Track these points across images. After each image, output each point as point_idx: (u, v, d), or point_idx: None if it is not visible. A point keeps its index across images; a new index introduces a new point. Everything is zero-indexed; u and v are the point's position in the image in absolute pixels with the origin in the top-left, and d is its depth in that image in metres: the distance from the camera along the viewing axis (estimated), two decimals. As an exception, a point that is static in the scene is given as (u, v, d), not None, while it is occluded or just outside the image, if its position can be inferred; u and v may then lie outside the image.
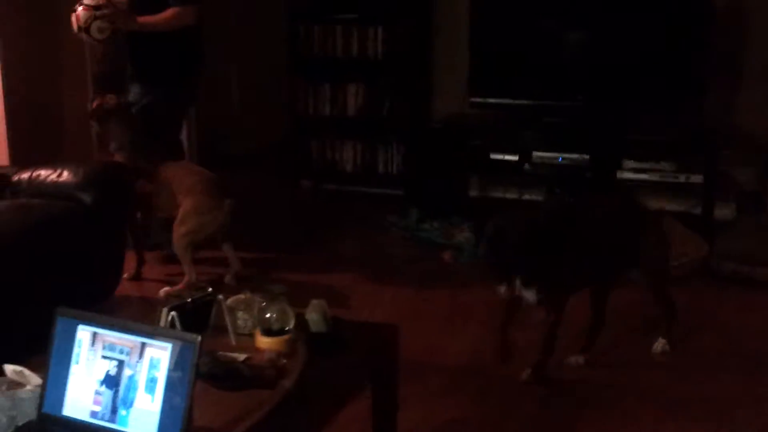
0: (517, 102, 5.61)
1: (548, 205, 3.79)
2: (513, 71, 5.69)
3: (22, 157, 5.07)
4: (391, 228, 5.50)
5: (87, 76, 5.71)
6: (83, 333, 1.99)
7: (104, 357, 1.96)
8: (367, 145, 6.26)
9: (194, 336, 1.90)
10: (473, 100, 5.67)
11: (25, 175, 4.16)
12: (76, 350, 1.99)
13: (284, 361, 2.35)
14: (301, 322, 2.52)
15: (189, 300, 2.47)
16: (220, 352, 2.39)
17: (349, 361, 2.50)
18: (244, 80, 7.35)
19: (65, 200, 4.00)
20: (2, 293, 3.46)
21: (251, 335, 2.50)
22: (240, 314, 2.58)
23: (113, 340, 1.97)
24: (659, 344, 3.75)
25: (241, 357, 2.38)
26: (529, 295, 3.37)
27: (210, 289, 2.54)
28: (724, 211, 5.31)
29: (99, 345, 1.97)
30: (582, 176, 5.43)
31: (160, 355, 1.91)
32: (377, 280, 4.71)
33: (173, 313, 2.40)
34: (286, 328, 2.46)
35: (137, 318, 2.56)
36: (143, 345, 1.94)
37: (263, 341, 2.45)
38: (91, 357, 1.97)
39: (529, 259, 3.30)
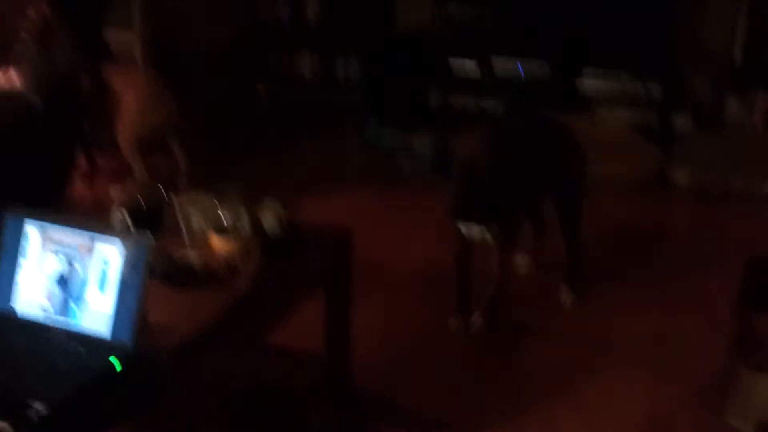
0: (476, 10, 5.53)
1: (503, 131, 3.50)
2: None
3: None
4: (349, 136, 5.46)
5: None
6: (32, 230, 1.96)
7: (54, 254, 1.93)
8: (326, 53, 6.16)
9: (146, 233, 1.88)
10: (433, 7, 5.57)
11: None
12: (25, 247, 1.96)
13: (238, 261, 2.34)
14: (255, 223, 2.50)
15: (141, 199, 2.43)
16: (173, 252, 2.37)
17: (302, 262, 2.49)
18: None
19: (14, 102, 3.92)
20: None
21: (204, 236, 2.47)
22: (193, 214, 2.54)
23: (63, 237, 1.93)
24: (564, 293, 3.51)
25: (195, 257, 2.36)
26: (489, 236, 3.18)
27: (162, 189, 2.50)
28: (681, 122, 5.33)
29: (48, 242, 1.94)
30: (541, 85, 5.41)
31: (111, 253, 1.89)
32: (334, 185, 4.70)
33: (125, 211, 2.36)
34: (240, 229, 2.44)
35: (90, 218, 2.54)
36: (94, 242, 1.91)
37: (217, 241, 2.43)
38: (40, 254, 1.94)
39: (498, 198, 3.12)
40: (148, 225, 2.40)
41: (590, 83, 5.36)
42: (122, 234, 1.92)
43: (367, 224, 3.97)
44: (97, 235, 1.90)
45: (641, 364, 3.03)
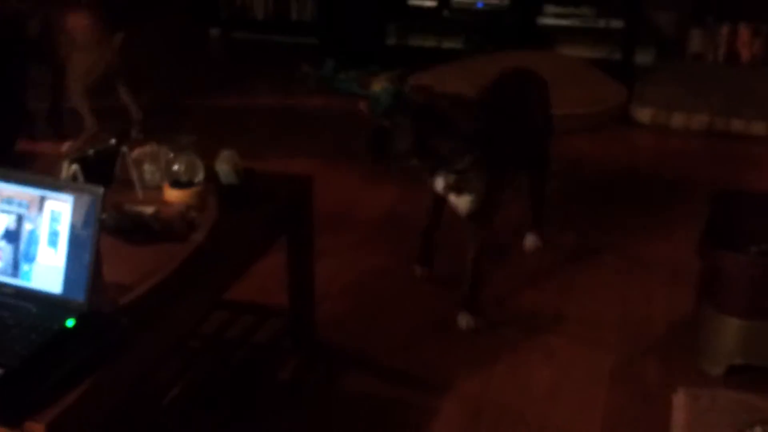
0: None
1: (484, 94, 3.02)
2: None
3: None
4: (306, 78, 5.35)
5: None
6: (-23, 186, 1.86)
7: (2, 211, 1.84)
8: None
9: (97, 188, 1.78)
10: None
11: None
12: (-31, 205, 1.86)
13: (194, 214, 2.25)
14: (211, 174, 2.41)
15: (91, 152, 2.33)
16: (127, 206, 2.28)
17: (261, 213, 2.41)
18: None
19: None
20: None
21: (159, 188, 2.39)
22: (146, 167, 2.45)
23: (11, 193, 1.84)
24: (529, 240, 3.40)
25: (150, 210, 2.27)
26: (461, 203, 2.86)
27: (114, 141, 2.39)
28: (644, 58, 5.28)
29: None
30: (502, 22, 5.33)
31: (61, 208, 1.79)
32: (292, 131, 4.60)
33: (75, 165, 2.26)
34: (196, 180, 2.35)
35: (44, 169, 2.44)
36: (43, 198, 1.81)
37: (172, 194, 2.34)
38: (-12, 211, 1.85)
39: (470, 157, 2.77)
40: (99, 178, 2.31)
41: (551, 20, 5.28)
42: (72, 188, 1.83)
43: (327, 173, 3.90)
44: (46, 190, 1.81)
45: (609, 309, 3.00)
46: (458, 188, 2.84)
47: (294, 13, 6.01)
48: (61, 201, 1.80)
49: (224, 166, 2.44)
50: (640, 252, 3.37)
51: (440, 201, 3.02)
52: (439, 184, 2.87)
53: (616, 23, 5.15)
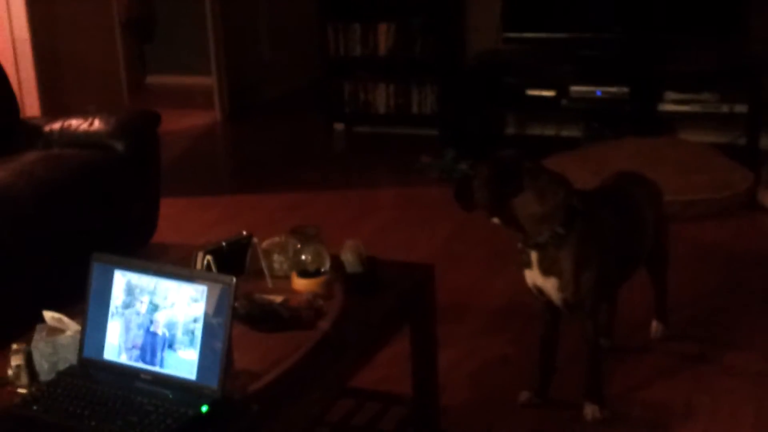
0: (552, 36, 5.49)
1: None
2: (547, 3, 5.57)
3: (52, 107, 5.06)
4: (426, 169, 5.43)
5: (114, 22, 5.68)
6: (119, 278, 1.96)
7: (141, 301, 1.93)
8: (400, 86, 6.17)
9: (230, 277, 1.86)
10: (507, 35, 5.56)
11: (56, 125, 4.14)
12: (113, 295, 1.96)
13: (321, 302, 2.32)
14: (337, 263, 2.48)
15: (224, 243, 2.43)
16: (257, 295, 2.36)
17: (385, 301, 2.45)
18: (273, 24, 7.28)
19: (97, 149, 3.99)
20: (38, 245, 3.46)
21: (287, 278, 2.47)
22: (275, 257, 2.54)
23: (149, 284, 1.93)
24: (654, 326, 3.32)
25: (279, 299, 2.35)
26: (548, 286, 2.73)
27: (245, 233, 2.49)
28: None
29: (136, 289, 1.94)
30: (621, 110, 5.32)
31: (196, 297, 1.88)
32: (413, 222, 4.66)
33: (209, 256, 2.36)
34: (322, 270, 2.42)
35: (177, 263, 2.55)
36: (179, 288, 1.90)
37: (299, 283, 2.41)
38: (128, 301, 1.94)
39: (548, 229, 2.64)
40: (231, 269, 2.41)
41: (671, 106, 5.25)
42: (206, 277, 1.91)
43: (448, 261, 3.93)
44: (182, 281, 1.90)
45: (742, 405, 2.90)
46: (543, 267, 2.70)
47: (414, 107, 6.14)
48: (196, 291, 1.88)
49: (349, 255, 2.50)
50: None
51: (553, 318, 2.87)
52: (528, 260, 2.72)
53: (740, 108, 5.08)
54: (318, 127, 6.44)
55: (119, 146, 4.01)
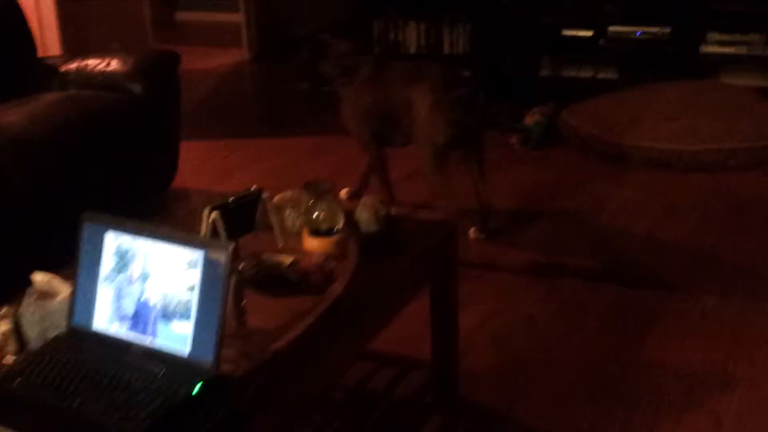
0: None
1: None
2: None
3: (74, 45, 4.93)
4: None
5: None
6: (111, 241, 1.83)
7: (133, 266, 1.80)
8: (432, 24, 5.94)
9: (228, 244, 1.72)
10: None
11: (73, 66, 4.01)
12: (103, 259, 1.83)
13: (333, 264, 2.17)
14: (352, 221, 2.33)
15: (231, 199, 2.28)
16: (266, 255, 2.23)
17: (402, 263, 2.30)
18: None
19: (115, 91, 3.85)
20: (51, 193, 3.35)
21: (300, 234, 2.33)
22: (288, 212, 2.40)
23: (143, 247, 1.80)
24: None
25: (288, 260, 2.21)
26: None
27: (253, 188, 2.34)
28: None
29: (128, 253, 1.81)
30: (662, 51, 5.08)
31: (193, 262, 1.74)
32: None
33: (215, 213, 2.22)
34: (335, 228, 2.28)
35: (187, 216, 2.42)
36: (175, 253, 1.76)
37: (311, 242, 2.27)
38: (119, 266, 1.81)
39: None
40: (240, 226, 2.28)
41: (714, 48, 5.00)
42: (204, 242, 1.77)
43: (474, 212, 3.77)
44: (179, 245, 1.76)
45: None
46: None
47: (446, 46, 5.92)
48: (192, 256, 1.74)
49: (364, 214, 2.35)
50: None
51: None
52: None
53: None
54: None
55: (137, 88, 3.87)
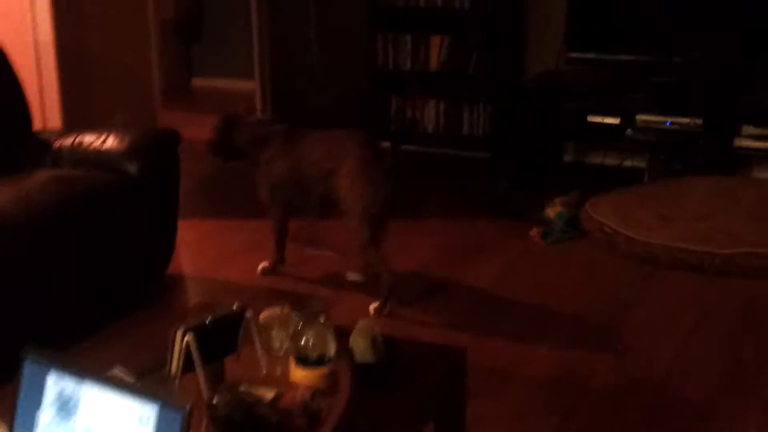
0: (620, 58, 5.03)
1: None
2: (616, 22, 5.10)
3: (77, 117, 4.71)
4: (475, 197, 4.97)
5: (149, 22, 5.30)
6: (53, 385, 1.55)
7: (76, 414, 1.52)
8: (451, 104, 5.72)
9: (183, 402, 1.44)
10: (570, 55, 5.13)
11: (67, 142, 3.78)
12: (44, 406, 1.55)
13: (320, 403, 1.89)
14: (345, 350, 2.05)
15: (208, 319, 2.01)
16: (244, 386, 1.95)
17: (403, 399, 2.02)
18: (322, 31, 6.91)
19: (109, 170, 3.61)
20: (36, 279, 3.10)
21: (287, 356, 2.05)
22: (275, 333, 2.13)
23: (88, 397, 1.52)
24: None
25: (270, 394, 1.93)
26: None
27: (235, 306, 2.07)
28: None
29: (70, 403, 1.53)
30: (693, 144, 4.82)
31: (143, 417, 1.46)
32: (457, 261, 4.21)
33: (188, 336, 1.95)
34: (326, 357, 2.00)
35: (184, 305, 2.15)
36: (124, 406, 1.48)
37: (298, 373, 2.00)
38: (61, 416, 1.53)
39: None
40: (217, 349, 2.01)
41: (749, 141, 4.74)
42: (157, 397, 1.48)
43: (492, 310, 3.49)
44: (128, 396, 1.48)
45: None
46: None
47: (465, 127, 5.69)
48: (143, 411, 1.46)
49: (360, 341, 2.08)
50: None
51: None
52: None
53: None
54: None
55: (132, 169, 3.62)
